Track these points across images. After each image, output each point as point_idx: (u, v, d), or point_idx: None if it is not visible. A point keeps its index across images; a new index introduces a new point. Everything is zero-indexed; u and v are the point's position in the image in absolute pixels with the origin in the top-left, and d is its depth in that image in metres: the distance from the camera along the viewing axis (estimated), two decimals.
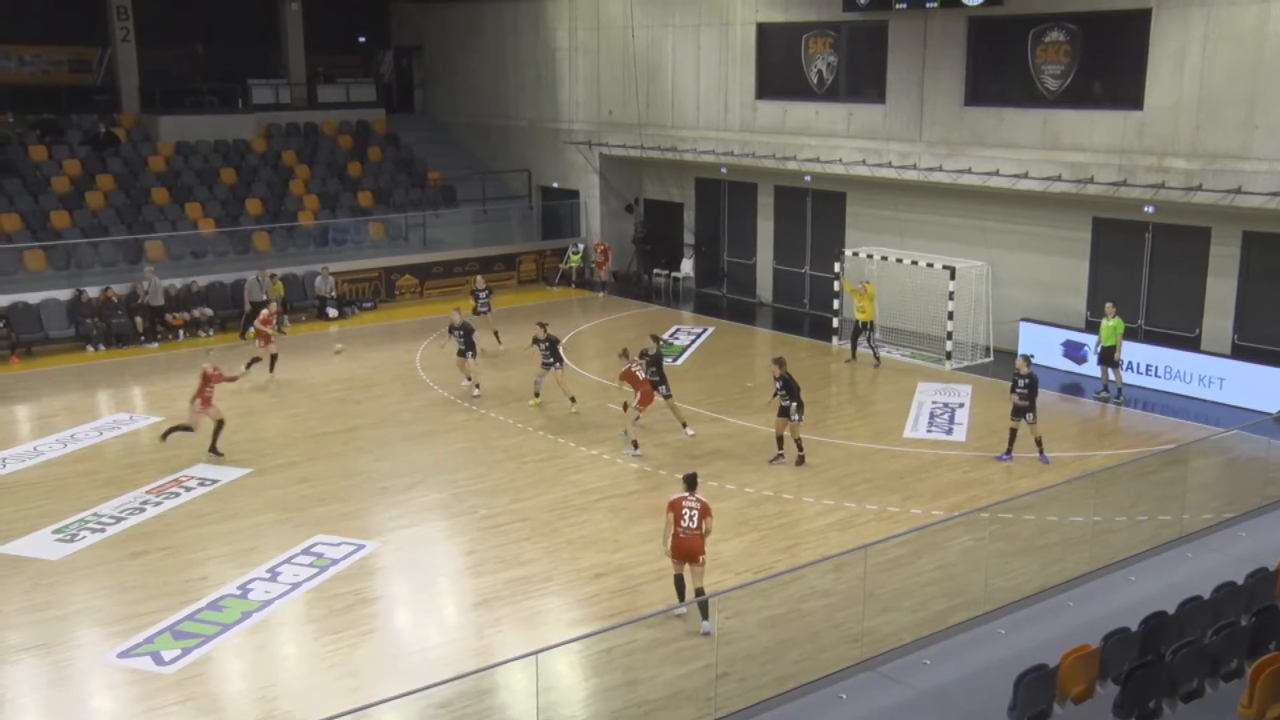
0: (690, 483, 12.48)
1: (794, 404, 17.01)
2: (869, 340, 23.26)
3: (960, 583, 13.08)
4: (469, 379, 21.34)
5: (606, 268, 30.86)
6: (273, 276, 26.79)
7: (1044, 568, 13.33)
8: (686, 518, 12.19)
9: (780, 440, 17.37)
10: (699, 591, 12.25)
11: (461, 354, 21.18)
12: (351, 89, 35.99)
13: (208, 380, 17.99)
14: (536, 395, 20.31)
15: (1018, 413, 17.29)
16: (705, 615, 12.04)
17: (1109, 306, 20.54)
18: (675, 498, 12.38)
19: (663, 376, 18.83)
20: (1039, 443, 17.30)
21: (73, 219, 27.84)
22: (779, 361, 17.45)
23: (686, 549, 12.23)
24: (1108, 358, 20.39)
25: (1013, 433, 17.44)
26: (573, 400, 19.81)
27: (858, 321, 23.18)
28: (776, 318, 28.14)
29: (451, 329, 21.49)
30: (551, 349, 19.98)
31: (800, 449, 17.30)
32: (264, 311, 22.87)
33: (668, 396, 18.79)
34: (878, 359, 23.19)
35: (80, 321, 24.98)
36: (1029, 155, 22.40)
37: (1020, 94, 22.84)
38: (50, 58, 34.52)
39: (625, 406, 19.02)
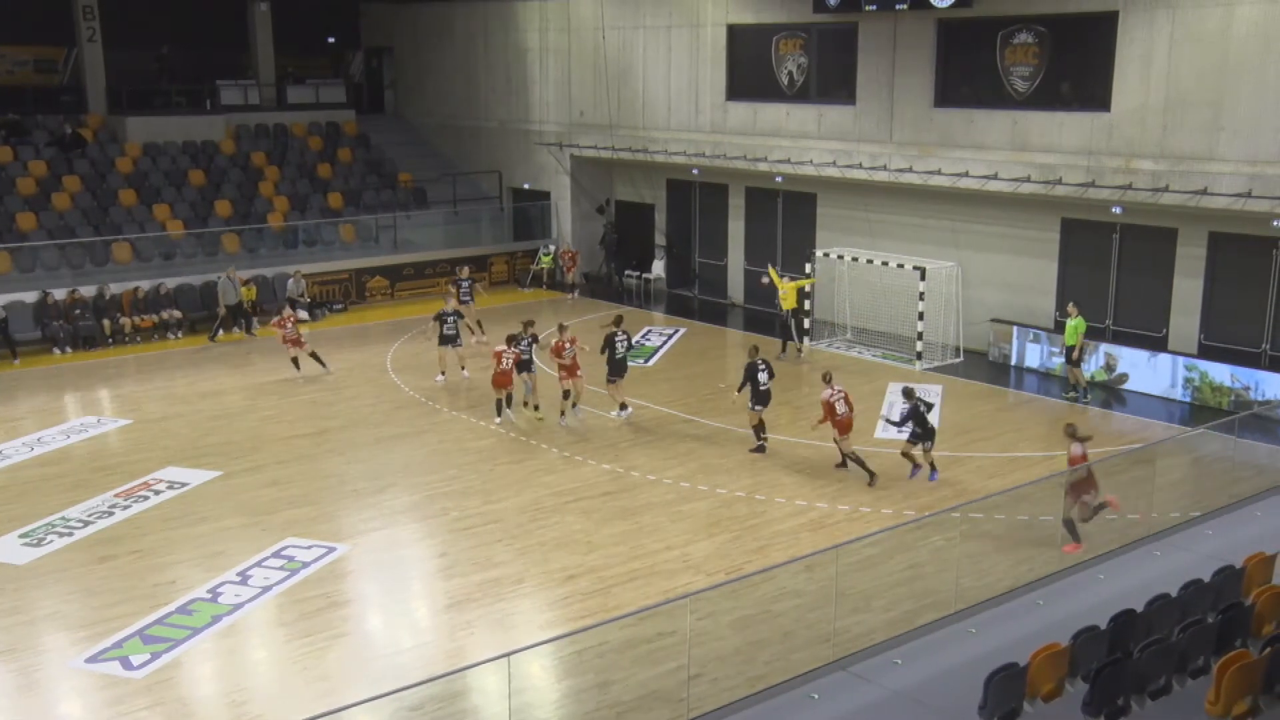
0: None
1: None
2: (794, 329, 23.89)
3: (931, 582, 13.13)
4: (443, 373, 21.40)
5: (575, 270, 30.85)
6: (242, 281, 26.58)
7: (1014, 567, 13.40)
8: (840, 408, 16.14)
9: (758, 430, 17.83)
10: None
11: (444, 342, 21.22)
12: (321, 90, 35.76)
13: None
14: (535, 408, 19.76)
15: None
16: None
17: (1071, 306, 20.76)
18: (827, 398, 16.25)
19: (615, 363, 19.18)
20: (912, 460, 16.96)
21: (39, 221, 27.53)
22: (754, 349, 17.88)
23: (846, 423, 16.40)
24: (1071, 356, 20.57)
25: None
26: (535, 408, 19.72)
27: (785, 312, 23.97)
28: (748, 318, 28.19)
29: (443, 316, 21.53)
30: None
31: (759, 437, 17.81)
32: (285, 313, 22.69)
33: (612, 380, 19.01)
34: (800, 348, 23.95)
35: (47, 324, 24.71)
36: (998, 156, 22.56)
37: (989, 95, 22.99)
38: (15, 58, 34.14)
39: (527, 404, 19.47)
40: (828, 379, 17.02)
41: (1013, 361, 22.76)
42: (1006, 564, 13.55)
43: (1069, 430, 14.28)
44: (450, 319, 21.51)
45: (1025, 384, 22.03)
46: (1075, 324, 20.51)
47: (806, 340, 24.37)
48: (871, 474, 16.50)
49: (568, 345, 18.97)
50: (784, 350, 23.69)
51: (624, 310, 28.80)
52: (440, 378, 21.64)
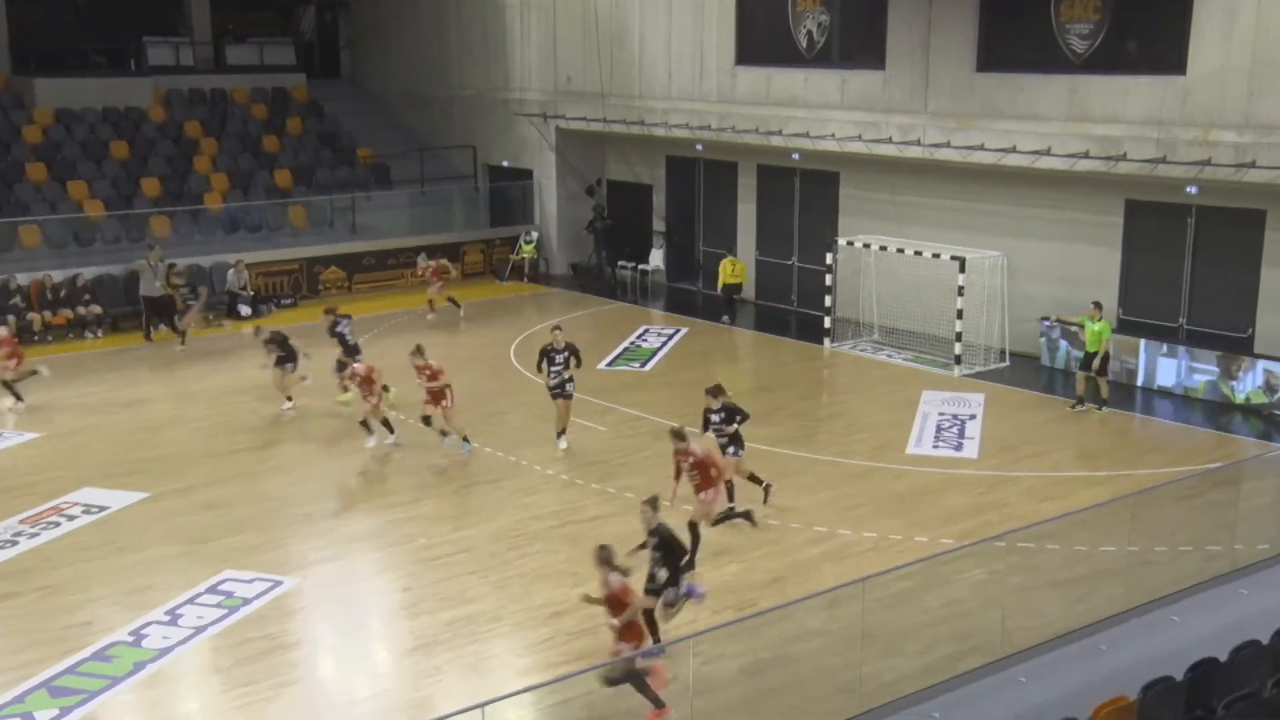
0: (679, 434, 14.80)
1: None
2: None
3: (973, 622, 13.04)
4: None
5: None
6: (170, 265, 26.34)
7: (1071, 605, 13.30)
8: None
9: (748, 481, 16.49)
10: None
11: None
12: (266, 50, 35.74)
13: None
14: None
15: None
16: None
17: (1095, 307, 20.52)
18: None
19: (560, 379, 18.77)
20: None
21: None
22: (713, 391, 16.42)
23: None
24: (1089, 364, 20.39)
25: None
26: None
27: (725, 285, 26.86)
28: (759, 316, 28.13)
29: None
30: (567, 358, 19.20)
31: (731, 498, 16.21)
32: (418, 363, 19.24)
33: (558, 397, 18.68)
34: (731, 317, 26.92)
35: None
36: (1051, 129, 22.49)
37: (1041, 58, 22.93)
38: None
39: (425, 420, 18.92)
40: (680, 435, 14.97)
41: (1139, 380, 21.87)
42: (1062, 602, 13.45)
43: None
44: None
45: (1157, 409, 21.12)
46: (1100, 328, 20.29)
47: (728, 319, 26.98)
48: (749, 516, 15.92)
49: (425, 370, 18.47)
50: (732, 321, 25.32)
51: (618, 306, 28.85)
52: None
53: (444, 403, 18.48)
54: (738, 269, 27.49)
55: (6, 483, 17.83)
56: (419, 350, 18.64)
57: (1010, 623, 12.60)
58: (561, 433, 18.83)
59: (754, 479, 16.50)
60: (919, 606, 13.35)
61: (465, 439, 18.54)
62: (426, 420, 18.80)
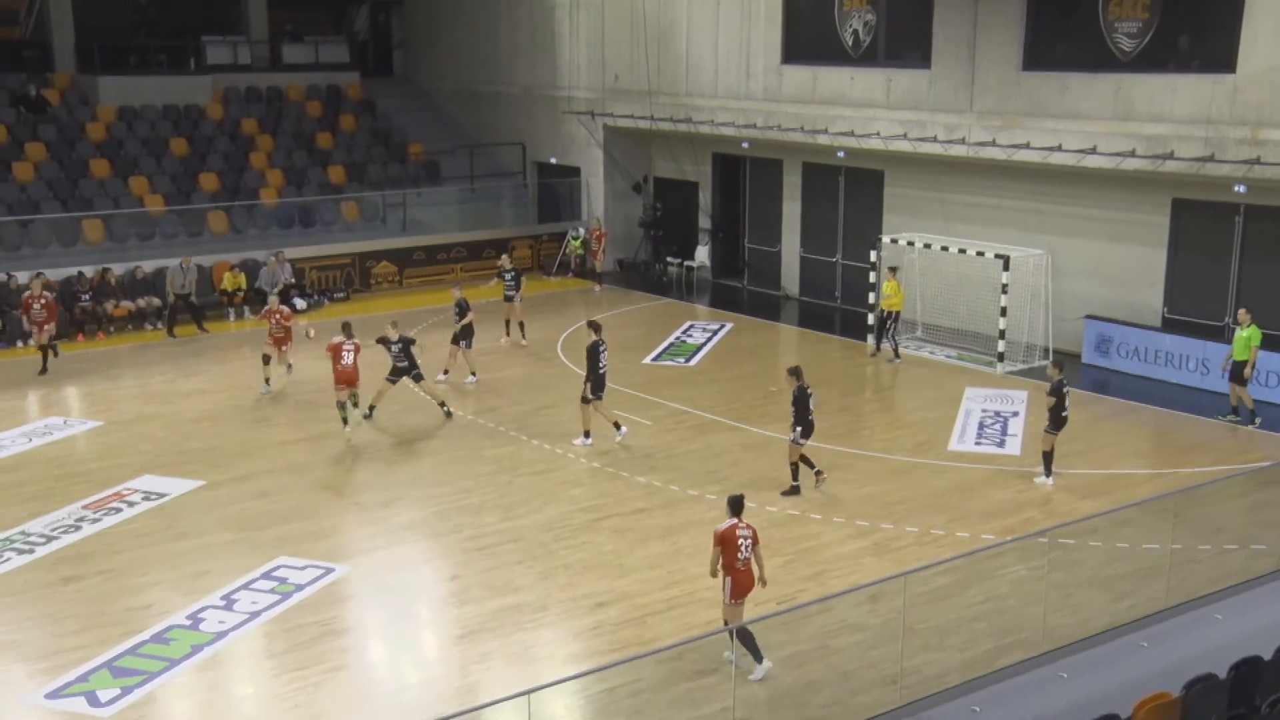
0: (737, 506, 12.20)
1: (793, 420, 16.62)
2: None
3: (1014, 618, 12.97)
4: (445, 371, 21.47)
5: (602, 256, 30.70)
6: (228, 266, 26.71)
7: (1113, 602, 13.22)
8: (743, 549, 11.90)
9: (806, 461, 16.96)
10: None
11: (455, 340, 21.28)
12: (321, 48, 36.03)
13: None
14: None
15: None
16: (760, 656, 11.84)
17: (1243, 312, 19.62)
18: (725, 527, 12.00)
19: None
20: (1046, 458, 17.17)
21: None
22: (794, 372, 16.77)
23: (748, 583, 11.98)
24: (1238, 374, 19.46)
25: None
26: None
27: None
28: (804, 313, 28.06)
29: (458, 306, 21.77)
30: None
31: (795, 477, 16.81)
32: (273, 304, 22.07)
33: (592, 399, 18.63)
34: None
35: (6, 313, 24.93)
36: (1098, 127, 22.27)
37: (1088, 57, 22.71)
38: None
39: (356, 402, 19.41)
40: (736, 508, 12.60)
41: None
42: (1103, 598, 13.36)
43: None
44: (455, 312, 21.71)
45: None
46: (1248, 334, 19.40)
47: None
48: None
49: (347, 351, 18.94)
50: (880, 350, 23.97)
51: (664, 303, 28.84)
52: (442, 378, 21.64)
53: (357, 383, 19.04)
54: (890, 287, 23.66)
55: (70, 469, 18.11)
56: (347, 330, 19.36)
57: (1051, 619, 12.52)
58: (616, 424, 18.85)
59: (806, 462, 16.79)
60: (960, 601, 13.29)
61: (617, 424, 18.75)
62: (341, 405, 19.14)
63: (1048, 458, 17.17)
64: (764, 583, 12.19)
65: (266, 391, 21.52)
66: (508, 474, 17.75)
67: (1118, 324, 22.70)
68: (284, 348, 21.80)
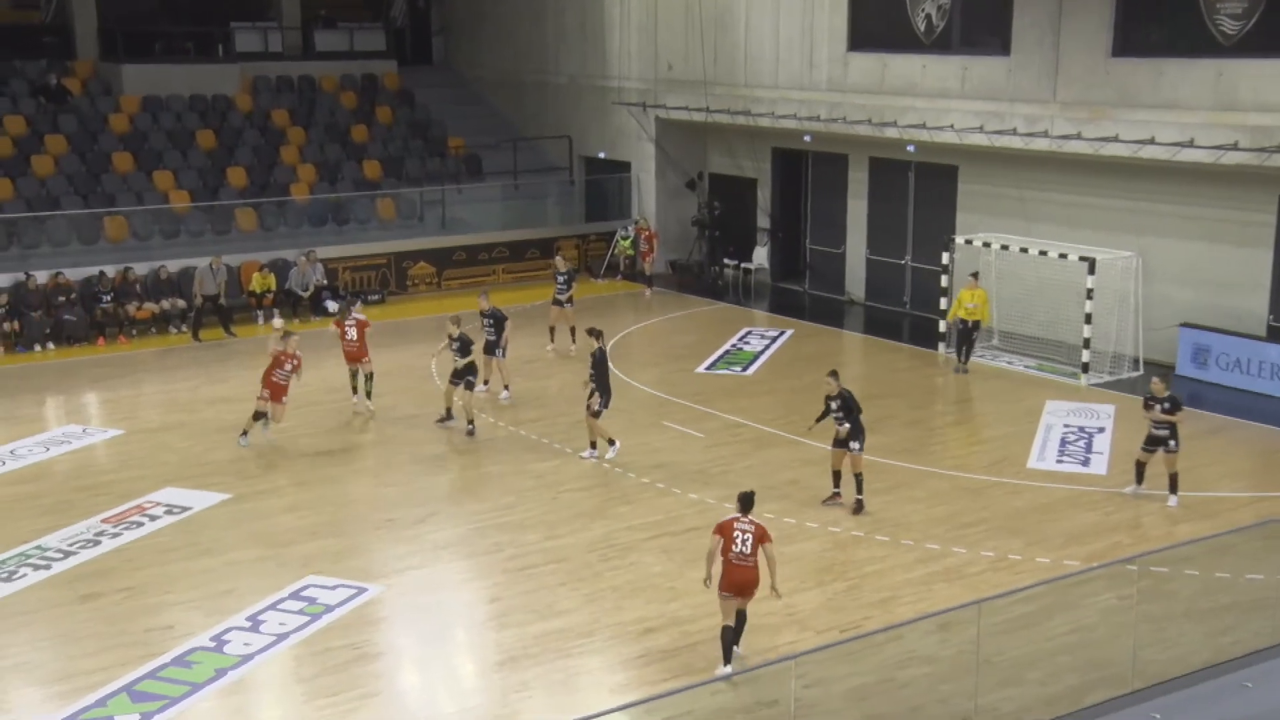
0: (745, 503, 12.93)
1: (849, 428, 16.67)
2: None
3: (1101, 652, 12.88)
4: (485, 383, 21.51)
5: (652, 258, 30.71)
6: (258, 266, 26.95)
7: (1211, 638, 13.08)
8: (739, 543, 12.63)
9: (837, 477, 17.11)
10: (740, 615, 12.80)
11: (487, 350, 21.38)
12: (356, 35, 36.29)
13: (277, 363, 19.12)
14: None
15: (1153, 442, 17.03)
16: (736, 641, 12.79)
17: None
18: (725, 520, 12.86)
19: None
20: (1173, 479, 17.02)
21: (16, 188, 28.27)
22: (834, 375, 17.07)
23: (740, 580, 12.64)
24: None
25: (1141, 466, 17.25)
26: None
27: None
28: (869, 319, 27.95)
29: (480, 315, 21.82)
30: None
31: (860, 490, 16.88)
32: (278, 345, 19.62)
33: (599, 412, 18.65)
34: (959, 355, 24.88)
35: (24, 314, 25.26)
36: (1196, 118, 22.00)
37: (1186, 41, 22.50)
38: None
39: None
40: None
41: None
42: (1202, 632, 13.22)
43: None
44: (486, 321, 21.67)
45: None
46: None
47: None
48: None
49: (287, 362, 19.28)
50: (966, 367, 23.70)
51: (719, 307, 28.81)
52: (483, 388, 21.63)
53: (283, 400, 19.46)
54: (977, 296, 23.31)
55: (89, 480, 18.32)
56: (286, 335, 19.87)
57: (1143, 654, 12.39)
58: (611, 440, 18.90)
59: (858, 481, 16.85)
60: (1041, 632, 13.17)
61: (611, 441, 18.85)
62: (259, 415, 19.43)
63: (1174, 480, 17.08)
64: (777, 593, 12.85)
65: (244, 444, 19.62)
66: (552, 489, 17.77)
67: (1216, 333, 22.42)
68: (282, 400, 19.52)
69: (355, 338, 20.83)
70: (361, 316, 21.18)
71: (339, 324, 21.20)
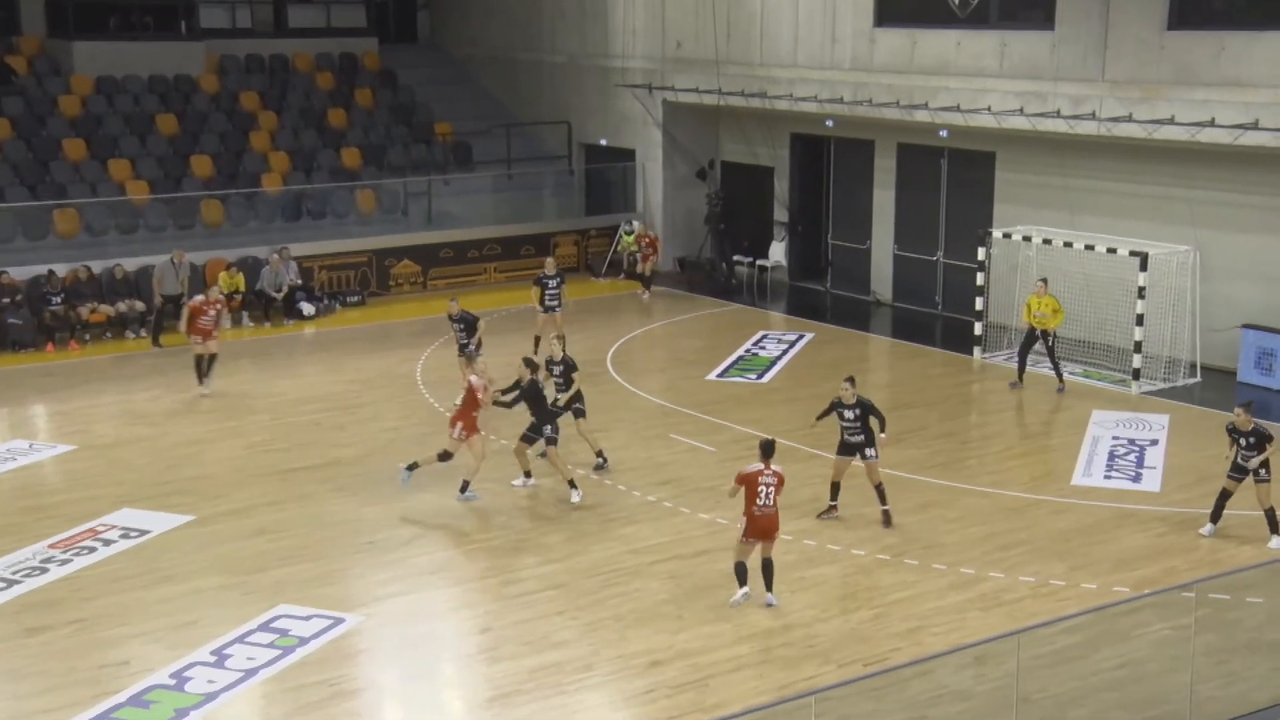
0: (767, 450, 14.82)
1: (863, 438, 16.81)
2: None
3: (1154, 687, 12.87)
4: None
5: (653, 261, 30.63)
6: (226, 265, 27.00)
7: (1278, 672, 13.02)
8: (763, 495, 14.55)
9: (835, 489, 17.28)
10: (767, 563, 14.74)
11: (462, 351, 21.40)
12: (333, 10, 36.38)
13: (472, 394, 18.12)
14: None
15: (1240, 470, 16.53)
16: (770, 587, 14.72)
17: None
18: (750, 470, 14.75)
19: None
20: (1270, 515, 16.56)
21: None
22: (850, 381, 17.22)
23: (764, 527, 14.60)
24: None
25: (1224, 498, 16.74)
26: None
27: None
28: (897, 321, 27.96)
29: (450, 320, 21.94)
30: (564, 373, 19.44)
31: (884, 500, 17.01)
32: (198, 298, 23.09)
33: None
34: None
35: None
36: (1262, 97, 22.01)
37: (1250, 12, 22.59)
38: None
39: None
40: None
41: None
42: (1267, 667, 13.21)
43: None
44: (456, 326, 21.81)
45: None
46: None
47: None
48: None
49: (210, 309, 21.30)
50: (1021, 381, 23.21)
51: (732, 309, 28.80)
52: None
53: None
54: (1044, 305, 22.64)
55: (37, 501, 18.31)
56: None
57: (1201, 689, 12.44)
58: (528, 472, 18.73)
59: (880, 492, 17.10)
60: (1087, 666, 13.12)
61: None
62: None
63: (1271, 515, 16.56)
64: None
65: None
66: (549, 509, 17.78)
67: None
68: (210, 338, 22.64)
69: (213, 317, 22.52)
70: (220, 298, 23.76)
71: (196, 308, 22.56)
